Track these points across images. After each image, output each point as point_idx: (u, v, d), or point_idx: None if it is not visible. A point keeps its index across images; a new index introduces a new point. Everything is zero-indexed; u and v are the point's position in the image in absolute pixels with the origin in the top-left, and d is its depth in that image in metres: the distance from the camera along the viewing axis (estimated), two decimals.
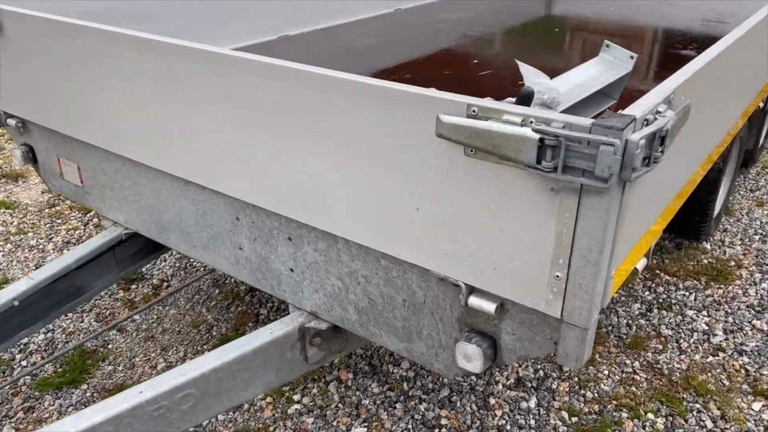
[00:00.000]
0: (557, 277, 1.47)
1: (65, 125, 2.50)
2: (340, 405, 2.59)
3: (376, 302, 1.92)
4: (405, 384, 2.69)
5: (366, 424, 2.50)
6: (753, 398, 2.59)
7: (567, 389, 2.65)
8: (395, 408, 2.58)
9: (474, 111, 1.42)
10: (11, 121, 2.81)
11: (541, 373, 2.74)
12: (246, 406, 2.61)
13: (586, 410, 2.55)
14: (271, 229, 2.08)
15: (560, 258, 1.44)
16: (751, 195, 4.19)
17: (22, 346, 2.94)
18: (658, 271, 3.38)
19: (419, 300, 1.81)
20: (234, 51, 1.84)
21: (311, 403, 2.60)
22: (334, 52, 4.05)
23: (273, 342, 2.05)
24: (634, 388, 2.65)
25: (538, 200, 1.41)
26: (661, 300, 3.17)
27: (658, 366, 2.76)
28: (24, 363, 2.84)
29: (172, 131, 2.09)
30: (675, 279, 3.32)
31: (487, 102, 1.43)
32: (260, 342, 2.03)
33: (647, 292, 3.22)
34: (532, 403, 2.58)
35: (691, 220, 3.45)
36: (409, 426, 2.49)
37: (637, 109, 1.38)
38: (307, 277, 2.07)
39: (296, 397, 2.63)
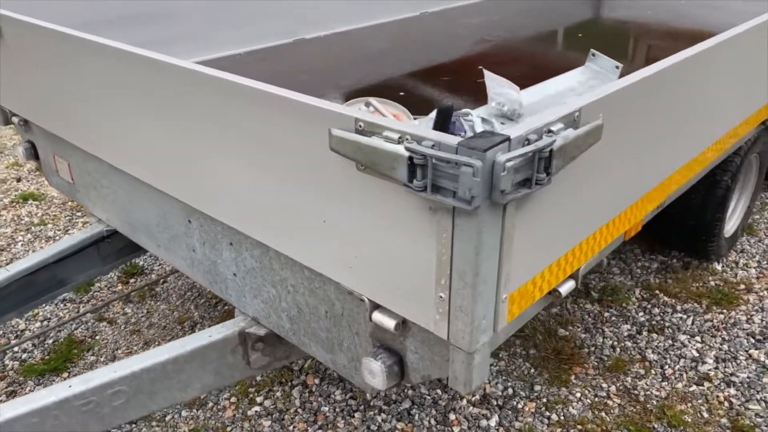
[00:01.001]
0: (441, 297, 1.43)
1: (55, 125, 2.62)
2: (299, 410, 2.60)
3: (304, 312, 1.92)
4: (367, 393, 2.67)
5: (319, 430, 2.50)
6: None
7: (533, 410, 2.56)
8: (353, 417, 2.56)
9: (360, 126, 1.39)
10: (15, 119, 2.96)
11: (510, 391, 2.66)
12: (210, 404, 2.66)
13: (545, 430, 2.46)
14: (215, 233, 2.11)
15: (442, 278, 1.40)
16: None
17: (18, 333, 3.10)
18: (657, 292, 3.21)
19: (338, 312, 1.79)
20: (170, 59, 1.86)
21: (272, 407, 2.62)
22: (345, 58, 4.05)
23: (211, 345, 2.08)
24: (603, 414, 2.53)
25: (419, 219, 1.38)
26: (654, 322, 3.01)
27: (635, 392, 2.63)
28: (15, 349, 3.00)
29: (132, 136, 2.16)
30: (674, 301, 3.15)
31: (373, 117, 1.40)
32: (197, 345, 2.07)
33: (641, 313, 3.07)
34: (493, 421, 2.51)
35: (698, 240, 3.26)
36: (392, 427, 2.48)
37: (520, 128, 1.32)
38: (248, 282, 2.09)
39: (259, 399, 2.66)
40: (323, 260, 1.71)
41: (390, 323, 1.58)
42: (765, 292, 3.19)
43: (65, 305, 3.29)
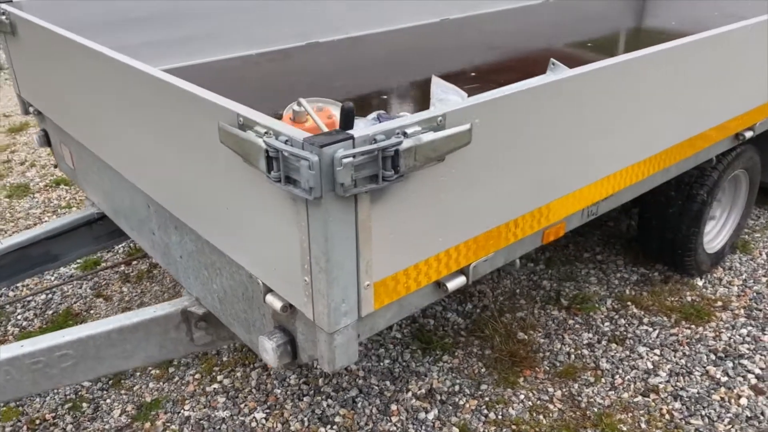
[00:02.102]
0: (306, 281, 1.55)
1: (57, 116, 2.90)
2: (254, 390, 2.77)
3: (228, 294, 2.08)
4: (321, 380, 2.81)
5: (268, 410, 2.66)
6: None
7: (473, 407, 2.63)
8: (302, 401, 2.70)
9: (241, 120, 1.54)
10: (31, 109, 3.27)
11: (457, 387, 2.74)
12: (176, 378, 2.86)
13: (481, 430, 2.52)
14: (165, 218, 2.30)
15: (305, 263, 1.53)
16: None
17: (25, 303, 3.41)
18: (629, 303, 3.20)
19: (250, 294, 1.94)
20: (121, 57, 2.07)
21: (230, 385, 2.80)
22: (352, 62, 4.17)
23: (154, 320, 2.27)
24: (541, 416, 2.57)
25: (286, 208, 1.51)
26: (617, 333, 3.01)
27: (579, 398, 2.65)
28: (18, 317, 3.30)
29: (105, 128, 2.39)
30: (643, 313, 3.13)
31: (250, 112, 1.54)
32: (141, 318, 2.26)
33: (607, 323, 3.07)
34: (431, 415, 2.60)
35: (675, 253, 3.22)
36: (306, 419, 2.61)
37: (371, 128, 1.43)
38: (190, 264, 2.27)
39: (220, 378, 2.84)
40: (231, 246, 1.87)
41: (277, 305, 1.72)
42: (741, 311, 3.13)
43: (70, 279, 3.58)
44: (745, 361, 2.81)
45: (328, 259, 1.46)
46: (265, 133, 1.46)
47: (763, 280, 3.36)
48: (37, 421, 2.65)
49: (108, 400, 2.75)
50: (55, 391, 2.81)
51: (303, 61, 4.13)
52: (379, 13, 4.69)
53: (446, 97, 2.37)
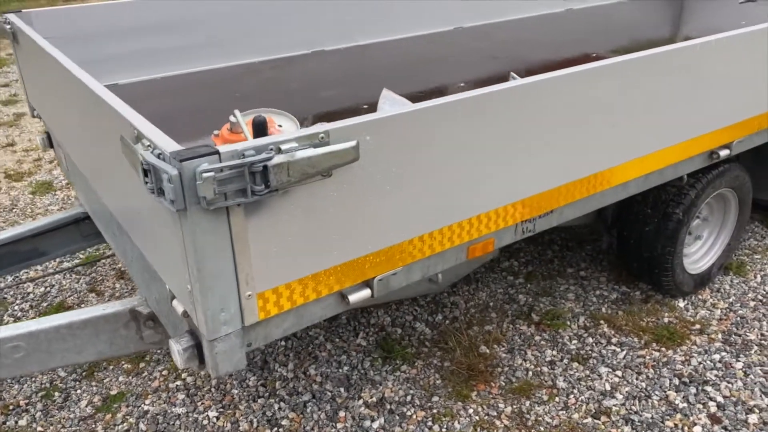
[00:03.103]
0: (189, 289, 1.62)
1: (46, 119, 3.09)
2: (212, 390, 2.86)
3: (161, 297, 2.17)
4: (278, 383, 2.87)
5: (222, 410, 2.74)
6: None
7: (419, 419, 2.64)
8: (256, 402, 2.78)
9: (135, 133, 1.62)
10: (35, 112, 3.48)
11: (409, 398, 2.75)
12: (145, 374, 2.99)
13: None
14: (117, 222, 2.42)
15: (187, 272, 1.59)
16: None
17: (24, 294, 3.62)
18: (602, 322, 3.13)
19: (170, 299, 2.02)
20: (68, 67, 2.19)
21: (192, 383, 2.90)
22: (353, 70, 4.22)
23: (103, 317, 2.38)
24: None
25: (171, 219, 1.58)
26: (582, 352, 2.95)
27: (528, 416, 2.62)
28: (16, 307, 3.51)
29: (69, 130, 2.53)
30: (614, 333, 3.05)
31: (143, 126, 1.62)
32: (91, 315, 2.37)
33: (574, 341, 3.02)
34: (376, 424, 2.62)
35: (652, 272, 3.13)
36: (255, 420, 2.68)
37: (241, 144, 1.49)
38: (136, 267, 2.38)
39: (184, 375, 2.95)
40: (149, 251, 1.96)
41: (179, 309, 1.80)
42: (719, 336, 3.01)
43: (71, 275, 3.78)
44: (709, 388, 2.71)
45: (199, 269, 1.52)
46: (148, 145, 1.53)
47: (751, 304, 3.22)
48: (11, 407, 2.82)
49: (78, 391, 2.90)
50: (33, 379, 2.98)
51: (303, 69, 4.20)
52: (389, 21, 4.70)
53: (388, 108, 2.39)
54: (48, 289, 3.67)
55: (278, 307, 1.70)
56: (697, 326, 3.08)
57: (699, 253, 3.32)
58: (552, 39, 4.82)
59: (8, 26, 3.19)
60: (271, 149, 1.50)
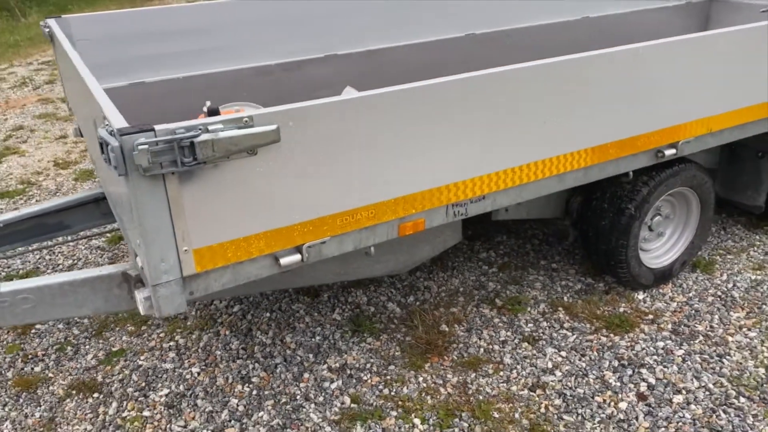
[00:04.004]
0: (138, 243, 1.98)
1: (75, 111, 3.55)
2: (199, 350, 3.24)
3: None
4: (257, 347, 3.22)
5: (204, 366, 3.11)
6: None
7: (374, 383, 2.94)
8: (235, 362, 3.14)
9: (102, 115, 2.00)
10: (69, 105, 3.97)
11: (368, 365, 3.04)
12: (145, 335, 3.39)
13: (370, 401, 2.82)
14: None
15: (135, 229, 1.95)
16: (759, 257, 3.72)
17: (54, 265, 4.11)
18: (560, 309, 3.34)
19: (135, 254, 2.39)
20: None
21: (183, 344, 3.29)
22: (361, 74, 4.53)
23: (99, 277, 2.78)
24: (429, 397, 2.83)
25: (123, 183, 1.94)
26: (534, 334, 3.18)
27: (470, 386, 2.88)
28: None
29: (84, 120, 2.95)
30: (569, 318, 3.27)
31: (108, 110, 1.99)
32: (88, 275, 2.77)
33: (530, 324, 3.25)
34: (334, 385, 2.93)
35: (608, 265, 3.32)
36: (231, 376, 3.04)
37: (175, 123, 1.84)
38: (126, 235, 2.77)
39: (177, 337, 3.34)
40: (121, 218, 2.34)
41: (139, 263, 2.16)
42: (669, 326, 3.18)
43: (96, 251, 4.26)
44: (644, 371, 2.89)
45: (141, 224, 1.88)
46: (107, 124, 1.91)
47: (710, 299, 3.37)
48: (30, 356, 3.28)
49: (87, 346, 3.33)
50: (51, 334, 3.43)
51: (314, 71, 4.55)
52: (401, 27, 4.93)
53: None
54: (75, 262, 4.15)
55: (213, 262, 2.05)
56: (650, 316, 3.25)
57: (661, 249, 3.48)
58: (565, 46, 4.99)
59: (47, 29, 3.67)
60: (200, 129, 1.85)
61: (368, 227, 2.33)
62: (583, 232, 3.38)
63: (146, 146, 1.77)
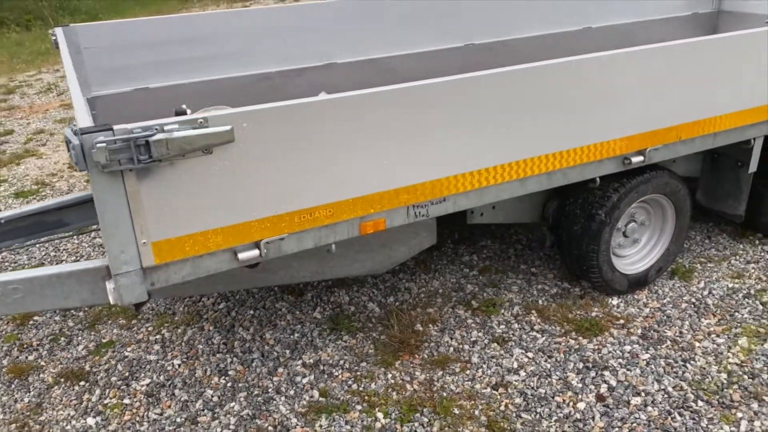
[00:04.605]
0: (102, 236, 2.13)
1: None
2: (183, 344, 3.38)
3: None
4: (237, 342, 3.36)
5: (186, 359, 3.25)
6: (481, 430, 2.68)
7: (344, 378, 3.04)
8: (215, 356, 3.27)
9: (73, 117, 2.16)
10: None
11: (342, 361, 3.15)
12: (135, 328, 3.55)
13: (338, 396, 2.93)
14: None
15: (99, 221, 2.10)
16: (740, 266, 3.73)
17: (59, 261, 4.31)
18: (533, 312, 3.41)
19: None
20: None
21: (168, 338, 3.43)
22: (353, 81, 4.66)
23: (84, 270, 2.93)
24: (394, 393, 2.92)
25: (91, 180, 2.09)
26: (505, 336, 3.25)
27: (436, 383, 2.96)
28: None
29: None
30: (541, 321, 3.33)
31: (77, 111, 2.15)
32: (74, 268, 2.92)
33: (502, 326, 3.32)
34: (306, 380, 3.05)
35: (581, 270, 3.38)
36: (209, 369, 3.17)
37: (132, 123, 1.98)
38: None
39: (164, 331, 3.49)
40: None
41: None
42: (638, 331, 3.22)
43: (99, 248, 4.45)
44: (607, 373, 2.95)
45: (102, 218, 2.03)
46: (74, 125, 2.06)
47: (683, 306, 3.40)
48: (25, 346, 3.46)
49: (79, 338, 3.50)
50: (47, 325, 3.62)
51: (312, 79, 4.69)
52: (402, 37, 5.03)
53: None
54: (78, 258, 4.35)
55: (172, 255, 2.18)
56: (621, 321, 3.30)
57: (637, 256, 3.53)
58: (562, 56, 5.06)
59: (54, 38, 3.88)
60: (155, 129, 1.99)
61: (328, 225, 2.45)
62: (558, 237, 3.44)
63: (104, 144, 1.91)
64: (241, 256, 2.31)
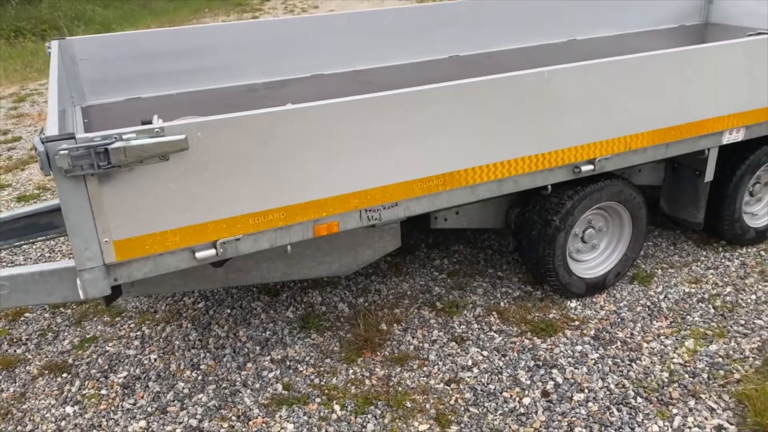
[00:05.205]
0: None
1: None
2: (161, 340, 3.58)
3: None
4: (211, 339, 3.54)
5: (162, 354, 3.45)
6: (431, 424, 2.84)
7: (308, 373, 3.22)
8: (189, 351, 3.46)
9: (43, 126, 2.37)
10: None
11: (308, 358, 3.33)
12: (118, 325, 3.75)
13: (300, 389, 3.10)
14: None
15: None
16: (700, 272, 3.86)
17: (36, 259, 4.53)
18: (494, 313, 3.56)
19: None
20: None
21: (148, 334, 3.63)
22: (337, 92, 4.85)
23: (66, 269, 3.13)
24: (353, 387, 3.09)
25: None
26: (464, 335, 3.41)
27: (393, 378, 3.13)
28: None
29: None
30: (500, 322, 3.48)
31: (48, 124, 2.36)
32: (57, 267, 3.14)
33: (462, 326, 3.48)
34: (272, 374, 3.23)
35: (539, 273, 3.54)
36: (182, 363, 3.36)
37: (93, 132, 2.18)
38: None
39: (144, 328, 3.69)
40: None
41: None
42: (592, 332, 3.37)
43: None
44: (555, 371, 3.10)
45: (67, 218, 2.23)
46: (42, 133, 2.27)
47: (638, 309, 3.54)
48: (15, 340, 3.68)
49: (66, 333, 3.71)
50: (37, 321, 3.83)
51: (297, 90, 4.88)
52: (387, 49, 5.20)
53: None
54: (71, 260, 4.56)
55: (132, 253, 2.38)
56: (576, 323, 3.45)
57: (596, 261, 3.68)
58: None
59: (49, 50, 4.11)
60: (114, 138, 2.19)
61: (282, 227, 2.63)
62: (519, 242, 3.60)
63: (67, 151, 2.12)
64: (199, 254, 2.50)
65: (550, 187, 3.23)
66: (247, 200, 2.50)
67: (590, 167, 3.19)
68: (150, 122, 2.64)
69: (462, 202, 3.01)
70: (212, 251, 2.52)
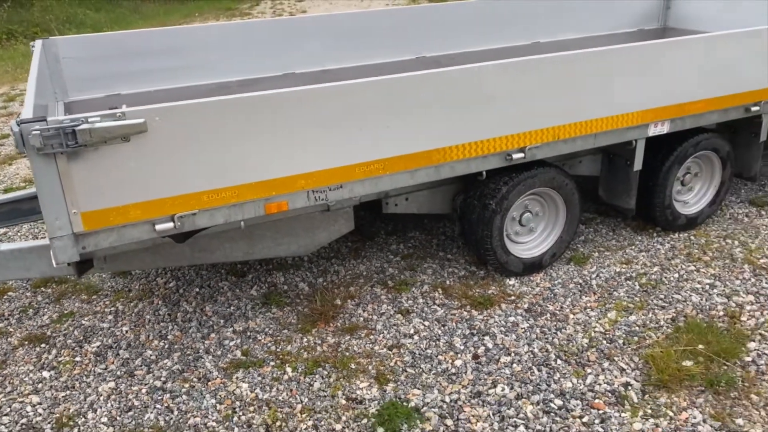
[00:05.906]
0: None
1: None
2: (134, 314, 3.88)
3: None
4: (179, 314, 3.85)
5: (133, 326, 3.76)
6: (371, 382, 3.16)
7: (266, 342, 3.53)
8: (159, 324, 3.77)
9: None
10: None
11: (267, 329, 3.64)
12: (94, 302, 4.06)
13: (257, 355, 3.42)
14: None
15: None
16: (632, 254, 4.20)
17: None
18: (440, 290, 3.89)
19: None
20: None
21: (122, 310, 3.94)
22: None
23: (44, 246, 3.44)
24: (305, 353, 3.41)
25: None
26: (410, 309, 3.73)
27: (342, 345, 3.45)
28: None
29: None
30: (443, 297, 3.81)
31: (24, 110, 2.67)
32: (35, 244, 3.45)
33: (410, 301, 3.80)
34: (233, 343, 3.54)
35: (479, 253, 3.87)
36: (151, 334, 3.67)
37: (64, 116, 2.50)
38: None
39: (118, 304, 3.99)
40: None
41: None
42: (525, 305, 3.69)
43: None
44: (487, 338, 3.42)
45: (39, 191, 2.55)
46: (18, 118, 2.58)
47: (571, 286, 3.87)
48: None
49: (46, 309, 4.02)
50: (19, 299, 4.14)
51: (268, 87, 5.17)
52: (357, 50, 5.52)
53: None
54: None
55: (98, 224, 2.69)
56: (513, 297, 3.77)
57: (534, 243, 4.01)
58: None
59: (33, 48, 4.42)
60: (81, 120, 2.51)
61: (235, 204, 2.95)
62: (461, 224, 3.93)
63: (39, 132, 2.43)
64: (158, 227, 2.82)
65: (485, 173, 3.56)
66: (200, 179, 2.82)
67: (521, 155, 3.52)
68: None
69: (402, 185, 3.33)
70: (170, 224, 2.83)
